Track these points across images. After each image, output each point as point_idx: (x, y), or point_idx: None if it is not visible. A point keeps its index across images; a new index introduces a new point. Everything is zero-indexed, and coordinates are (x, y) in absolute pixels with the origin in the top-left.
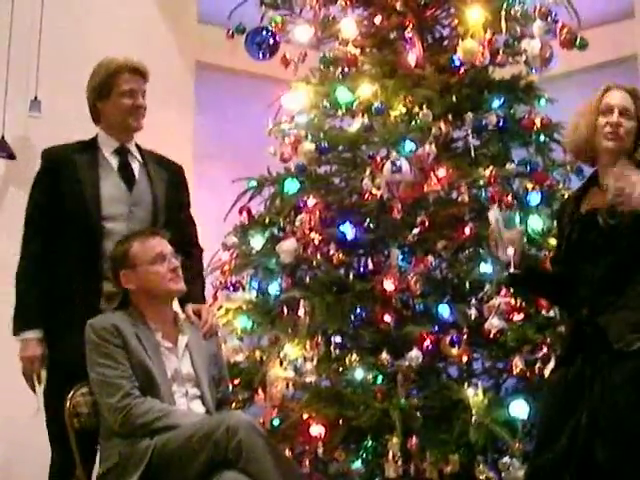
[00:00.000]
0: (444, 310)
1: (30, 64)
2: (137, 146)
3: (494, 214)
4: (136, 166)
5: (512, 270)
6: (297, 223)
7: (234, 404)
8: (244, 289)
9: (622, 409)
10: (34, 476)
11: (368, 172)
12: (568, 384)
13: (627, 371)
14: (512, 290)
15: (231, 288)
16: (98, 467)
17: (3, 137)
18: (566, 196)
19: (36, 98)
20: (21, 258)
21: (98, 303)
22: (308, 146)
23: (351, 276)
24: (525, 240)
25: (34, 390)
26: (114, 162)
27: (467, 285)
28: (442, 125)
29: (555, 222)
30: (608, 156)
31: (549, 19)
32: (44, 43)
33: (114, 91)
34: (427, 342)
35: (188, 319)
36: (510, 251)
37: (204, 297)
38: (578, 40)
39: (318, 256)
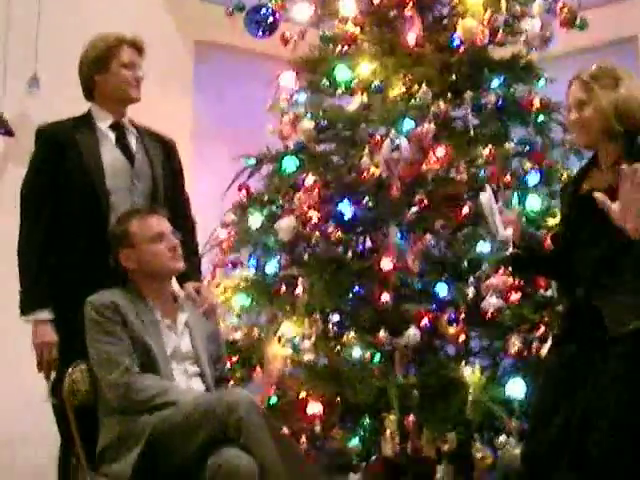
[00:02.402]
0: (442, 289)
1: (29, 41)
2: (130, 121)
3: (485, 196)
4: (133, 140)
5: (512, 250)
6: (296, 201)
7: (232, 382)
8: (242, 267)
9: (613, 407)
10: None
11: (367, 150)
12: (563, 366)
13: (619, 358)
14: (512, 270)
15: (229, 266)
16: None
17: (2, 114)
18: (565, 176)
19: (35, 75)
20: (23, 234)
21: (106, 277)
22: (307, 124)
23: (349, 254)
24: (524, 219)
25: (49, 378)
26: (111, 137)
27: (465, 264)
28: (441, 104)
29: (555, 201)
30: (596, 144)
31: None
32: (43, 20)
33: (114, 63)
34: (425, 320)
35: (188, 297)
36: (509, 231)
37: (200, 273)
38: (578, 20)
39: (316, 234)
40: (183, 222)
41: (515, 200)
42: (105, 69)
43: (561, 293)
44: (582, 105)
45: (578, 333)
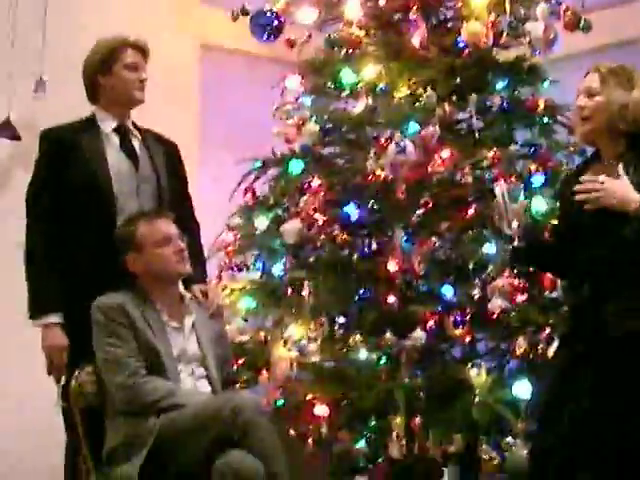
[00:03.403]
0: (448, 291)
1: (35, 45)
2: (134, 124)
3: (500, 187)
4: (136, 143)
5: (516, 243)
6: (301, 204)
7: (239, 384)
8: (248, 270)
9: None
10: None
11: (372, 153)
12: (570, 365)
13: (620, 362)
14: (514, 263)
15: (235, 269)
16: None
17: (8, 118)
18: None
19: (41, 79)
20: (30, 238)
21: (114, 280)
22: (312, 127)
23: (355, 257)
24: (529, 218)
25: (59, 381)
26: (115, 140)
27: (470, 266)
28: (446, 106)
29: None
30: (594, 137)
31: (553, 1)
32: (48, 24)
33: (117, 65)
34: (431, 322)
35: (195, 299)
36: (514, 224)
37: (206, 275)
38: (582, 22)
39: (322, 237)
40: (188, 224)
41: (521, 194)
42: (109, 71)
43: (566, 293)
44: (593, 94)
45: (583, 333)
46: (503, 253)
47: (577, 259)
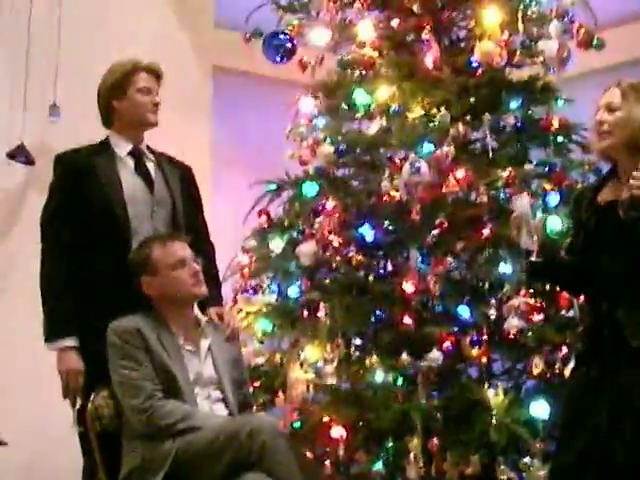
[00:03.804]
0: (464, 311)
1: (49, 70)
2: (148, 147)
3: (523, 200)
4: (151, 167)
5: (534, 258)
6: (316, 226)
7: (255, 407)
8: (264, 292)
9: (635, 413)
10: None
11: (387, 174)
12: (588, 384)
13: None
14: (531, 279)
15: (251, 291)
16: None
17: (22, 143)
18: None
19: (55, 104)
20: (44, 261)
21: (129, 303)
22: (326, 149)
23: (371, 278)
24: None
25: (74, 405)
26: (130, 163)
27: (486, 285)
28: (460, 126)
29: (572, 211)
30: (613, 153)
31: (566, 19)
32: (62, 49)
33: (131, 89)
34: (447, 343)
35: (211, 322)
36: (534, 238)
37: (221, 298)
38: (595, 40)
39: (337, 258)
40: (203, 247)
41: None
42: (122, 95)
43: (583, 312)
44: (613, 109)
45: (600, 349)
46: (519, 270)
47: (595, 274)
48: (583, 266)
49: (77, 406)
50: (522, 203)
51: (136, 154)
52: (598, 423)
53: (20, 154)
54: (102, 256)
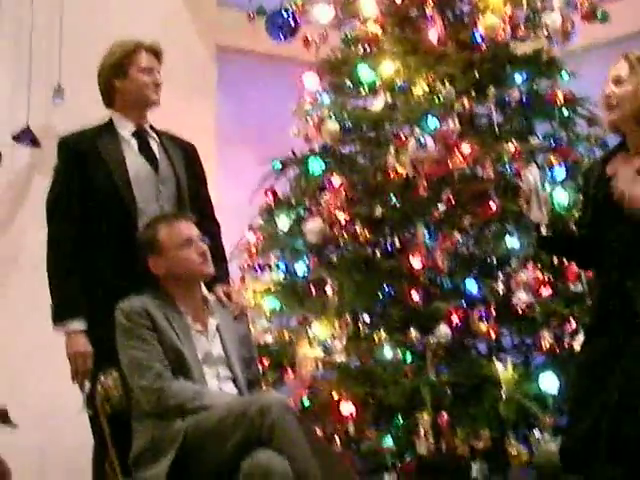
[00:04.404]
0: (471, 286)
1: (52, 52)
2: (151, 126)
3: (532, 172)
4: (155, 146)
5: (543, 230)
6: (322, 203)
7: (264, 385)
8: (271, 270)
9: None
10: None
11: (392, 150)
12: (597, 359)
13: None
14: (538, 248)
15: (258, 270)
16: (132, 449)
17: (28, 125)
18: None
19: (59, 86)
20: (50, 243)
21: (137, 284)
22: (332, 126)
23: (378, 254)
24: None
25: (83, 389)
26: (134, 143)
27: (494, 260)
28: (465, 101)
29: (581, 185)
30: (622, 125)
31: None
32: (65, 30)
33: (132, 68)
34: (455, 318)
35: (219, 301)
36: (544, 210)
37: (228, 277)
38: (599, 13)
39: (344, 235)
40: (209, 225)
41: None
42: (124, 75)
43: (591, 286)
44: (620, 82)
45: (609, 322)
46: (528, 244)
47: (605, 245)
48: (593, 238)
49: (86, 389)
50: (532, 176)
51: (140, 134)
52: (608, 397)
53: (25, 136)
54: (108, 237)
